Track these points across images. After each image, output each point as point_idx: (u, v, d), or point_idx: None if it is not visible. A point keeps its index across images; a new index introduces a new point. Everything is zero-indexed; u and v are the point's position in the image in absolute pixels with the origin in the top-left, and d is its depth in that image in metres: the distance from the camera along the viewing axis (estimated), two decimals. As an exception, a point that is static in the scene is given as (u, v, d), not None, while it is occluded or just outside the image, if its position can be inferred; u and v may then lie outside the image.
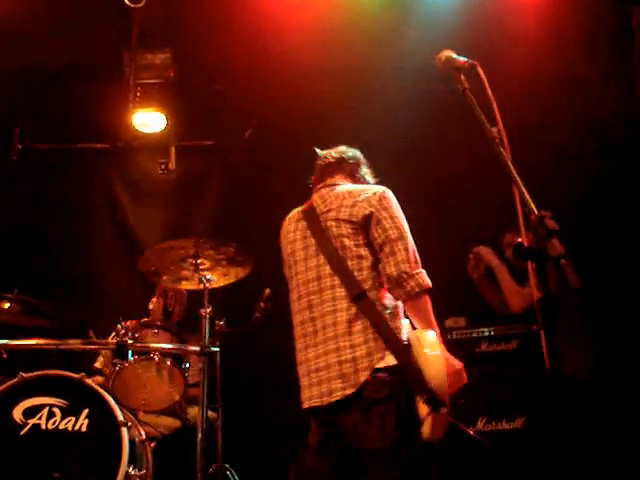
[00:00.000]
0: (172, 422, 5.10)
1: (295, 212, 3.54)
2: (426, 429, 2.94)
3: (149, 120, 6.42)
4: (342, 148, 3.66)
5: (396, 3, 5.85)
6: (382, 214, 3.20)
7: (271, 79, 6.03)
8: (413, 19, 5.82)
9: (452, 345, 5.63)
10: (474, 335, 5.62)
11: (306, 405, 3.20)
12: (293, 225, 3.48)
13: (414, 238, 3.25)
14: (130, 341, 4.60)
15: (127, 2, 5.57)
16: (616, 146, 5.79)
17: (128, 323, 4.80)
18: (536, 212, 2.19)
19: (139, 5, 5.57)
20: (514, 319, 5.41)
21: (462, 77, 2.63)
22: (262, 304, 4.98)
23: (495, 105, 2.49)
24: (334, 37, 5.89)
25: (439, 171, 6.35)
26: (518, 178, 2.29)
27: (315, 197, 3.48)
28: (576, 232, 4.95)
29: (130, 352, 4.73)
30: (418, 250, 3.25)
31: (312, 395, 3.16)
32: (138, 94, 6.22)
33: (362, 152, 3.72)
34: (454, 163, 6.19)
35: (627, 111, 5.83)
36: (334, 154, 3.62)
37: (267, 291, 5.00)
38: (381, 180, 3.65)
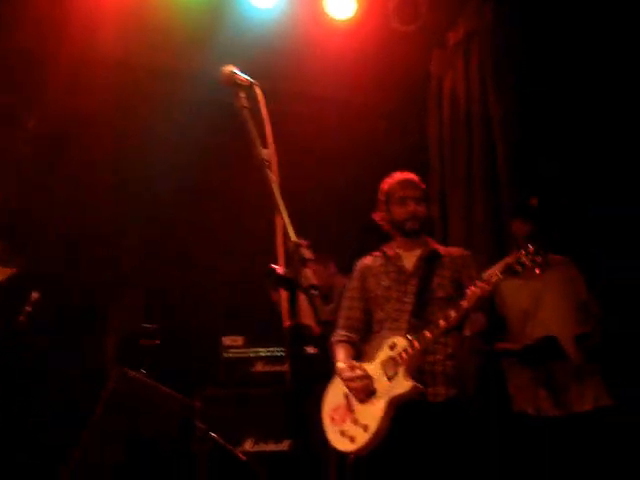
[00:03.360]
0: None
1: None
2: None
3: None
4: None
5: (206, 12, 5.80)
6: None
7: (70, 71, 5.76)
8: (221, 35, 5.78)
9: (228, 364, 5.61)
10: (250, 355, 5.61)
11: None
12: None
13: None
14: None
15: None
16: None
17: None
18: (293, 239, 2.16)
19: None
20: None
21: (242, 94, 2.57)
22: (28, 308, 4.71)
23: (268, 127, 2.45)
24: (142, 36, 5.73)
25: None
26: (282, 203, 2.26)
27: None
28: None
29: None
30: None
31: None
32: None
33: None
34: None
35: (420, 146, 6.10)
36: None
37: (34, 295, 4.74)
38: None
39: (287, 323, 2.14)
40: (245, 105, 2.54)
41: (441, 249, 3.86)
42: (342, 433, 3.62)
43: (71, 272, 5.97)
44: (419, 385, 3.49)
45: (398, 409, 3.48)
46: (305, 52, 5.81)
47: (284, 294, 2.16)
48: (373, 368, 3.59)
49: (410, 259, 3.79)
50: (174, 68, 5.94)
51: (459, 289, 3.57)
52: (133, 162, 6.19)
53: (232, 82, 2.60)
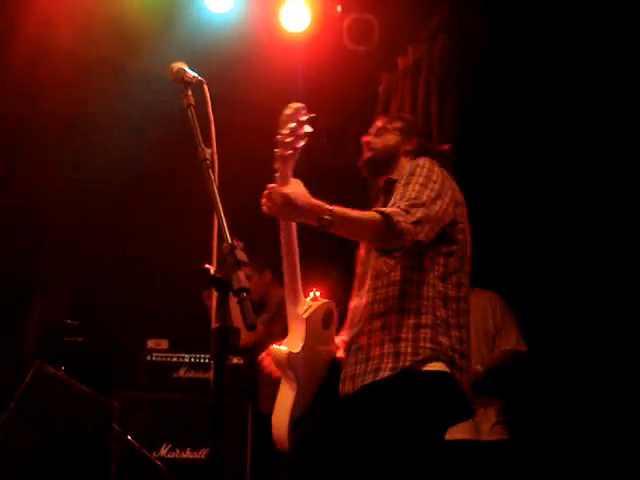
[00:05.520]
0: None
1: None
2: None
3: None
4: None
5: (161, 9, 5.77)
6: None
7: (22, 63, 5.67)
8: (173, 35, 5.74)
9: (151, 367, 5.53)
10: (174, 360, 5.55)
11: None
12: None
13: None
14: None
15: None
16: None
17: None
18: (229, 241, 2.14)
19: None
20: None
21: (189, 92, 2.55)
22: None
23: (213, 126, 2.43)
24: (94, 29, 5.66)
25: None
26: (219, 203, 2.24)
27: None
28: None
29: None
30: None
31: None
32: None
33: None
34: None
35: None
36: None
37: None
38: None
39: (215, 325, 2.12)
40: (191, 103, 2.52)
41: None
42: None
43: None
44: None
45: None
46: (255, 61, 5.80)
47: (215, 295, 2.13)
48: None
49: None
50: (125, 64, 5.85)
51: None
52: (78, 155, 6.08)
53: (180, 79, 2.59)
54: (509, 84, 5.49)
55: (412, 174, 2.97)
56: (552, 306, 5.40)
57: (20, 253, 6.05)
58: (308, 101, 6.03)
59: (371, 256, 3.08)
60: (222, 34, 5.73)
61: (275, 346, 3.09)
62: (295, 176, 2.88)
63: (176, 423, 5.37)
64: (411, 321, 2.86)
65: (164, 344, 5.58)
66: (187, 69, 2.61)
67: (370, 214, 2.80)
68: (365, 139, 3.30)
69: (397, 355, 2.82)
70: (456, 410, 2.93)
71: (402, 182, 2.98)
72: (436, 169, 3.01)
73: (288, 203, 2.70)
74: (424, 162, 3.03)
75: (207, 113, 2.48)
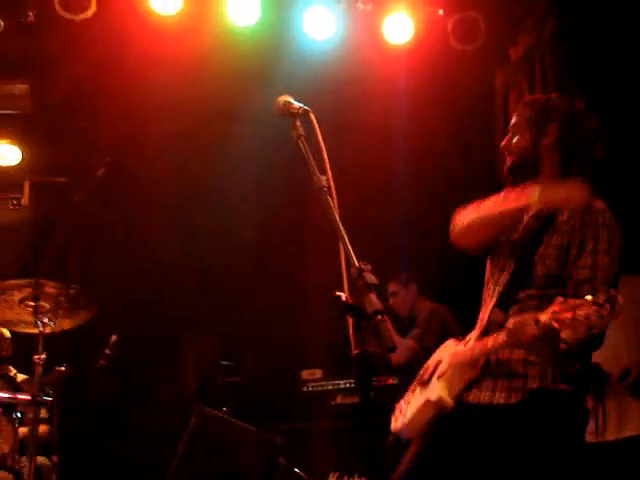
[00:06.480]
0: (4, 476, 4.75)
1: None
2: None
3: (3, 152, 6.12)
4: None
5: (267, 47, 5.86)
6: None
7: (130, 117, 5.89)
8: (282, 67, 5.81)
9: (308, 398, 5.58)
10: (329, 387, 5.56)
11: None
12: None
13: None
14: (-46, 389, 4.28)
15: (-20, 30, 5.33)
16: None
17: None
18: (356, 264, 2.11)
19: (-6, 33, 5.36)
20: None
21: (298, 123, 2.56)
22: (108, 351, 4.78)
23: (325, 154, 2.42)
24: (203, 76, 5.81)
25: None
26: (342, 229, 2.22)
27: None
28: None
29: (-43, 401, 4.40)
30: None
31: None
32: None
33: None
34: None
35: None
36: None
37: (113, 338, 4.80)
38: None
39: (355, 352, 2.09)
40: (301, 133, 2.52)
41: None
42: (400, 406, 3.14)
43: (145, 311, 6.06)
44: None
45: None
46: (364, 79, 5.79)
47: (350, 322, 2.10)
48: None
49: None
50: (234, 108, 5.98)
51: None
52: (200, 199, 6.26)
53: (287, 112, 2.59)
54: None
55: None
56: None
57: (168, 297, 6.27)
58: (423, 110, 5.98)
59: None
60: (328, 59, 5.76)
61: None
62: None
63: (341, 450, 5.36)
64: None
65: (318, 373, 5.61)
66: (292, 101, 2.61)
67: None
68: (503, 144, 3.01)
69: None
70: None
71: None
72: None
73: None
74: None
75: (317, 141, 2.46)
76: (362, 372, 2.07)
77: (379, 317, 2.01)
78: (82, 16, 5.30)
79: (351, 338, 2.10)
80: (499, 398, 2.70)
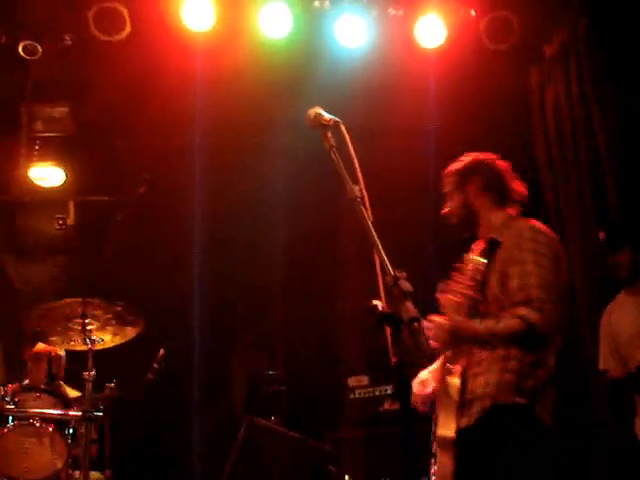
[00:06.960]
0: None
1: None
2: None
3: (47, 174, 6.25)
4: None
5: (300, 58, 5.89)
6: None
7: (169, 136, 5.98)
8: (316, 77, 5.84)
9: (355, 404, 5.58)
10: (377, 394, 5.55)
11: None
12: None
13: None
14: (9, 406, 4.38)
15: (22, 54, 5.46)
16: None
17: (9, 387, 4.57)
18: (392, 272, 2.13)
19: (35, 57, 5.49)
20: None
21: (329, 134, 2.58)
22: (156, 365, 4.85)
23: (357, 163, 2.44)
24: (237, 90, 5.86)
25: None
26: (377, 238, 2.23)
27: None
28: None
29: (11, 417, 4.50)
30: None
31: None
32: (37, 147, 6.09)
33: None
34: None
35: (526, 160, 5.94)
36: None
37: (161, 352, 4.87)
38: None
39: (393, 360, 2.10)
40: (333, 144, 2.55)
41: None
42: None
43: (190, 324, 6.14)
44: None
45: None
46: (397, 85, 5.79)
47: (388, 330, 2.12)
48: None
49: None
50: (270, 120, 6.03)
51: None
52: (239, 214, 6.32)
53: (318, 123, 2.61)
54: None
55: None
56: None
57: (213, 310, 6.34)
58: (458, 112, 5.95)
59: None
60: (360, 67, 5.77)
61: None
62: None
63: (390, 456, 5.34)
64: None
65: (364, 380, 5.60)
66: (323, 112, 2.63)
67: None
68: (443, 212, 3.38)
69: None
70: None
71: None
72: None
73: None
74: None
75: (348, 151, 2.49)
76: (401, 380, 2.09)
77: (415, 324, 2.03)
78: (117, 37, 5.43)
79: (389, 346, 2.12)
80: (462, 422, 2.99)
